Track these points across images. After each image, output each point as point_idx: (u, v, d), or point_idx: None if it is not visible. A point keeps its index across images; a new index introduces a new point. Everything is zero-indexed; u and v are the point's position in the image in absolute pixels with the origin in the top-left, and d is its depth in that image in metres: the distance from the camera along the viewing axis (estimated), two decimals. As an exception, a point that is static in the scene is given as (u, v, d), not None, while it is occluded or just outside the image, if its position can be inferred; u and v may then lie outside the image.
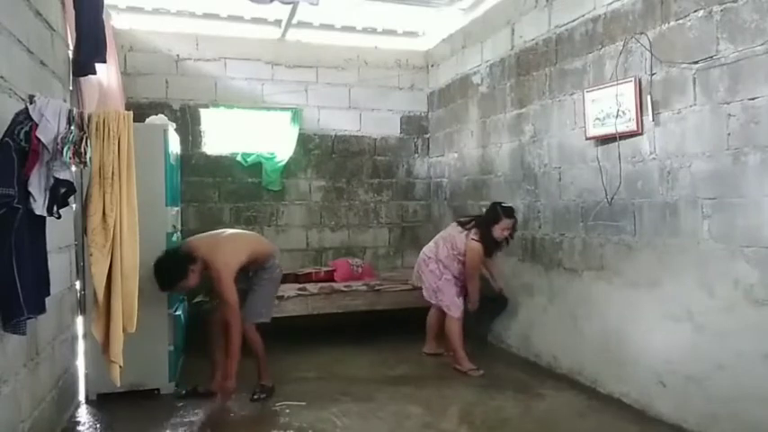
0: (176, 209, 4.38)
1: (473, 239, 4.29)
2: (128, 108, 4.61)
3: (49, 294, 2.62)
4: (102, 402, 3.65)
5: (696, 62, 3.03)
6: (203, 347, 3.94)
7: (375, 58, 6.21)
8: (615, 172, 3.59)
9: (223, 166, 5.72)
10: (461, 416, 3.48)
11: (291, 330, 4.65)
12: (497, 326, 4.94)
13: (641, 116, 3.38)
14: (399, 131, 6.35)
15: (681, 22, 3.13)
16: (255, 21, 5.56)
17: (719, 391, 2.93)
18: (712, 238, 2.97)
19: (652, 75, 3.32)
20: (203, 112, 5.69)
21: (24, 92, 2.61)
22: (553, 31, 4.19)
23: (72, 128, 2.45)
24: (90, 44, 3.36)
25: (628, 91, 3.43)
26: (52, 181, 2.42)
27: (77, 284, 3.68)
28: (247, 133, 5.83)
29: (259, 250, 3.85)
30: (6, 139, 2.29)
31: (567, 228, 4.10)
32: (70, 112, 2.50)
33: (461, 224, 4.44)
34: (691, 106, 3.08)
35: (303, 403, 3.64)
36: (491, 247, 4.32)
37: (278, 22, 5.54)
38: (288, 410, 3.55)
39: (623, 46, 3.51)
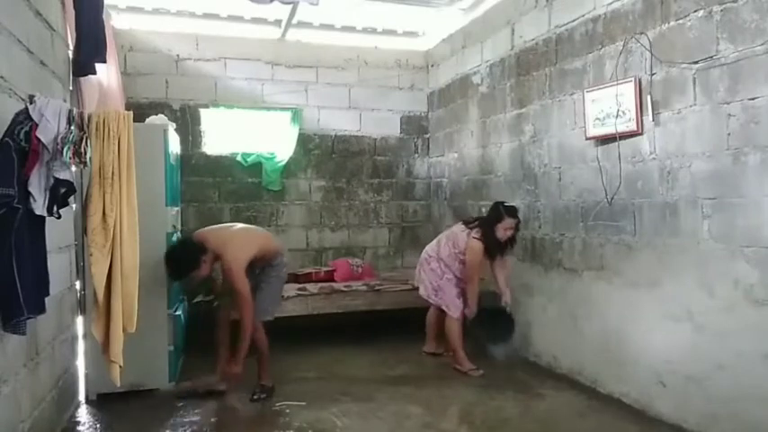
0: (176, 209, 4.38)
1: (474, 238, 4.24)
2: (128, 108, 4.61)
3: (48, 294, 2.62)
4: (102, 402, 3.65)
5: (696, 62, 3.03)
6: (203, 347, 3.95)
7: (375, 58, 6.21)
8: (615, 172, 3.59)
9: (223, 166, 5.72)
10: (461, 416, 3.48)
11: (291, 330, 4.64)
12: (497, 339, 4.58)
13: (641, 116, 3.38)
14: (399, 131, 6.35)
15: (681, 22, 3.13)
16: (255, 21, 5.56)
17: (719, 391, 2.93)
18: (712, 238, 2.97)
19: (652, 75, 3.32)
20: (203, 112, 5.69)
21: (24, 92, 2.61)
22: (553, 31, 4.19)
23: (72, 128, 2.45)
24: (90, 44, 3.37)
25: (628, 91, 3.43)
26: (52, 181, 2.42)
27: (77, 284, 3.68)
28: (247, 133, 5.82)
29: (268, 246, 3.87)
30: (6, 139, 2.29)
31: (567, 228, 4.10)
32: (70, 112, 2.50)
33: (466, 223, 4.42)
34: (691, 106, 3.08)
35: (303, 403, 3.64)
36: (493, 247, 4.24)
37: (278, 22, 5.54)
38: (288, 410, 3.55)
39: (623, 46, 3.51)
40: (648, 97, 3.32)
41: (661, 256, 3.28)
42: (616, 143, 3.56)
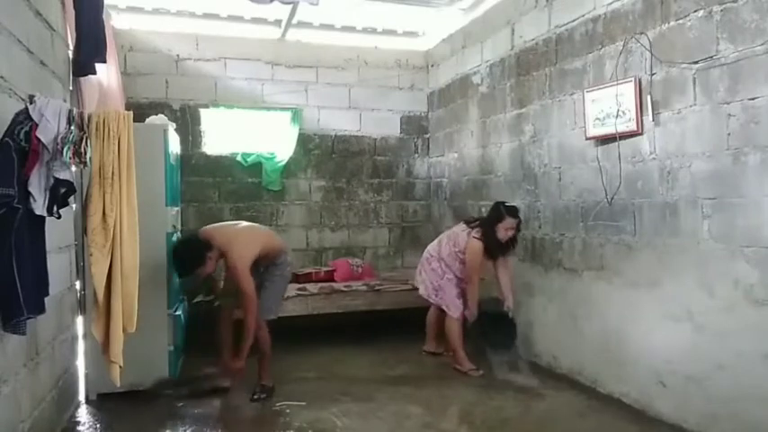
0: (176, 209, 4.38)
1: (474, 238, 4.22)
2: (128, 108, 4.61)
3: (48, 294, 2.62)
4: (102, 402, 3.65)
5: (696, 62, 3.03)
6: (203, 347, 3.95)
7: (375, 58, 6.21)
8: (615, 172, 3.59)
9: (223, 166, 5.72)
10: (461, 416, 3.49)
11: (291, 330, 4.64)
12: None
13: (641, 116, 3.38)
14: (399, 131, 6.35)
15: (681, 22, 3.13)
16: (255, 21, 5.55)
17: (719, 391, 2.93)
18: (712, 238, 2.97)
19: (652, 75, 3.32)
20: (203, 112, 5.69)
21: (24, 92, 2.61)
22: (553, 31, 4.19)
23: (72, 128, 2.45)
24: (90, 44, 3.36)
25: (628, 91, 3.43)
26: (52, 181, 2.42)
27: (77, 284, 3.68)
28: (247, 133, 5.82)
29: (272, 245, 3.89)
30: (6, 139, 2.29)
31: (567, 228, 4.10)
32: (70, 112, 2.50)
33: (467, 223, 4.40)
34: (691, 106, 3.08)
35: (303, 403, 3.64)
36: (493, 247, 4.20)
37: (278, 22, 5.54)
38: (288, 410, 3.56)
39: (623, 46, 3.51)
40: (648, 97, 3.32)
41: (661, 256, 3.28)
42: (616, 143, 3.56)
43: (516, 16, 4.64)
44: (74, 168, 2.59)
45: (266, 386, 3.80)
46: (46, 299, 2.59)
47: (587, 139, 3.82)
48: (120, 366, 2.75)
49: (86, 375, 3.73)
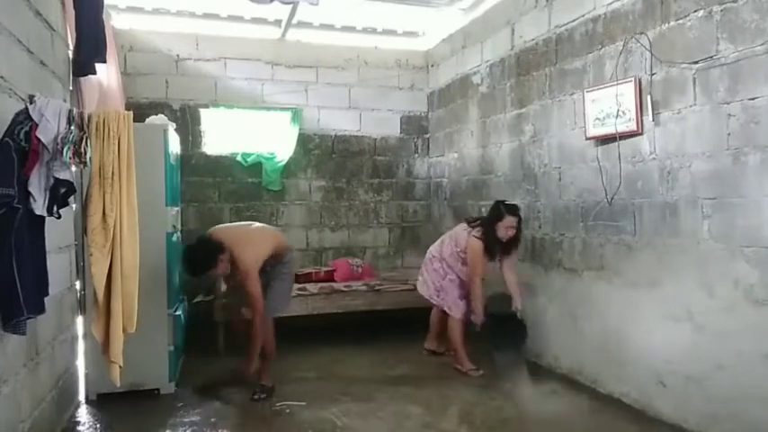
0: (176, 209, 4.38)
1: (474, 237, 4.20)
2: (128, 108, 4.61)
3: (47, 294, 2.62)
4: (102, 402, 3.66)
5: (696, 62, 3.03)
6: (203, 347, 3.95)
7: (375, 58, 6.21)
8: (615, 172, 3.59)
9: (223, 166, 5.73)
10: (461, 416, 3.48)
11: (291, 330, 4.64)
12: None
13: (641, 116, 3.38)
14: (399, 131, 6.35)
15: (681, 22, 3.13)
16: (255, 21, 5.56)
17: (719, 391, 2.93)
18: (712, 238, 2.97)
19: (652, 75, 3.32)
20: (203, 112, 5.69)
21: (24, 92, 2.61)
22: (553, 31, 4.19)
23: (72, 128, 2.45)
24: (90, 44, 3.36)
25: (628, 91, 3.43)
26: (52, 181, 2.42)
27: (77, 284, 3.68)
28: (247, 133, 5.83)
29: (280, 245, 3.94)
30: (6, 139, 2.29)
31: (567, 228, 4.10)
32: (70, 112, 2.50)
33: (468, 222, 4.38)
34: (691, 106, 3.08)
35: (303, 403, 3.64)
36: (493, 246, 4.17)
37: (278, 22, 5.55)
38: (288, 410, 3.56)
39: (623, 46, 3.51)
40: (648, 97, 3.32)
41: (661, 256, 3.28)
42: (616, 143, 3.56)
43: (516, 16, 4.64)
44: (74, 168, 2.59)
45: (266, 386, 3.80)
46: (46, 299, 2.59)
47: (587, 139, 3.82)
48: (120, 366, 2.75)
49: (86, 375, 3.73)
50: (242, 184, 5.78)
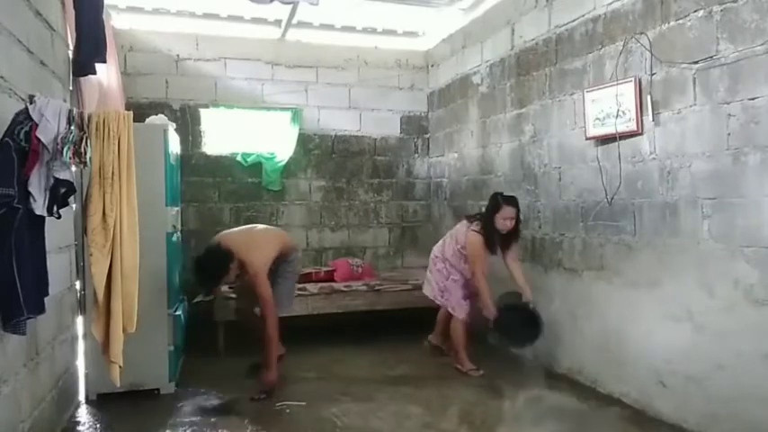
0: (176, 209, 4.38)
1: (473, 231, 4.16)
2: (128, 108, 4.61)
3: (47, 294, 2.62)
4: (102, 402, 3.65)
5: (696, 62, 3.03)
6: (203, 347, 3.96)
7: (375, 58, 6.21)
8: (615, 172, 3.59)
9: (223, 166, 5.73)
10: (461, 416, 3.48)
11: (291, 330, 4.64)
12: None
13: (641, 116, 3.38)
14: (399, 131, 6.35)
15: (681, 22, 3.13)
16: (255, 21, 5.56)
17: (719, 391, 2.93)
18: (712, 238, 2.97)
19: (652, 75, 3.32)
20: (203, 112, 5.69)
21: (24, 92, 2.61)
22: (553, 31, 4.19)
23: (72, 128, 2.45)
24: (90, 44, 3.36)
25: (628, 91, 3.43)
26: (52, 181, 2.42)
27: (77, 284, 3.68)
28: (247, 133, 5.83)
29: (286, 245, 4.03)
30: (6, 139, 2.29)
31: (567, 228, 4.10)
32: (70, 112, 2.50)
33: (468, 218, 4.36)
34: (691, 106, 3.08)
35: (303, 403, 3.64)
36: (493, 238, 4.11)
37: (278, 22, 5.54)
38: (288, 410, 3.55)
39: (623, 46, 3.51)
40: (648, 97, 3.32)
41: (661, 256, 3.28)
42: (616, 143, 3.56)
43: (516, 16, 4.64)
44: (74, 168, 2.59)
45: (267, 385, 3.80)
46: (46, 299, 2.59)
47: (587, 139, 3.82)
48: (120, 366, 2.75)
49: (86, 375, 3.73)
50: (242, 184, 5.78)
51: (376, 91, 6.20)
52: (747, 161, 2.78)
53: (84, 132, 2.50)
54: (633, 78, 3.40)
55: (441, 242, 4.52)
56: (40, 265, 2.55)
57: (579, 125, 3.91)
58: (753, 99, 2.74)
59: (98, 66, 3.50)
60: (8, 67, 2.50)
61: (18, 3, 2.69)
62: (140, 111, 4.90)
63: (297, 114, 5.87)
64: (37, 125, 2.35)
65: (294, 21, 5.37)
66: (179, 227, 4.60)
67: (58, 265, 3.10)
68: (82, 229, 2.91)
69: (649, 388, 3.36)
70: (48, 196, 2.42)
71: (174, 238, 4.12)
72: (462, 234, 4.26)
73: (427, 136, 6.42)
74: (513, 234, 4.18)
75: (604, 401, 3.61)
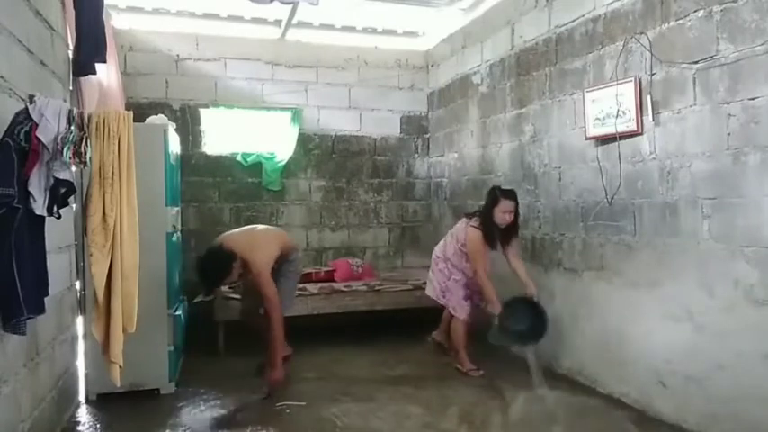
0: (176, 209, 4.37)
1: (472, 226, 4.15)
2: (128, 108, 4.61)
3: (47, 294, 2.62)
4: (102, 402, 3.65)
5: (696, 62, 3.03)
6: (203, 347, 3.96)
7: (375, 58, 6.22)
8: (615, 172, 3.59)
9: (223, 166, 5.73)
10: (461, 416, 3.48)
11: (292, 330, 4.64)
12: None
13: (641, 116, 3.38)
14: (399, 131, 6.35)
15: (681, 22, 3.13)
16: (255, 21, 5.56)
17: (719, 391, 2.93)
18: (712, 238, 2.97)
19: (652, 75, 3.32)
20: (203, 112, 5.69)
21: (24, 92, 2.61)
22: (553, 31, 4.19)
23: (72, 128, 2.45)
24: (90, 44, 3.36)
25: (628, 91, 3.43)
26: (52, 181, 2.42)
27: (77, 284, 3.68)
28: (247, 133, 5.83)
29: (287, 244, 4.07)
30: (6, 139, 2.29)
31: (567, 228, 4.10)
32: (70, 112, 2.50)
33: (467, 216, 4.34)
34: (691, 106, 3.08)
35: (303, 403, 3.64)
36: (492, 233, 4.08)
37: (278, 22, 5.55)
38: (288, 410, 3.55)
39: (623, 46, 3.51)
40: (648, 97, 3.32)
41: (661, 256, 3.28)
42: (616, 143, 3.56)
43: (516, 16, 4.64)
44: (74, 168, 2.59)
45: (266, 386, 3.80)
46: (46, 299, 2.59)
47: (587, 139, 3.82)
48: (120, 366, 2.75)
49: (86, 375, 3.73)
50: (242, 184, 5.78)
51: (376, 91, 6.20)
52: (747, 161, 2.78)
53: (84, 132, 2.50)
54: (633, 78, 3.40)
55: (442, 242, 4.51)
56: (40, 265, 2.55)
57: (579, 125, 3.91)
58: (753, 99, 2.74)
59: (98, 66, 3.50)
60: (8, 67, 2.50)
61: (18, 3, 2.69)
62: (140, 111, 4.90)
63: (297, 114, 5.87)
64: (37, 125, 2.35)
65: (294, 21, 5.37)
66: (179, 227, 4.60)
67: (58, 265, 3.10)
68: (82, 229, 2.91)
69: (649, 388, 3.36)
70: (48, 196, 2.42)
71: (174, 238, 4.12)
72: (462, 231, 4.25)
73: (427, 136, 6.42)
74: (513, 228, 4.16)
75: (604, 401, 3.61)
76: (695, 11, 3.03)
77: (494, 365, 4.33)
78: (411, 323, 4.99)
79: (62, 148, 2.39)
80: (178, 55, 5.60)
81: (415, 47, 6.31)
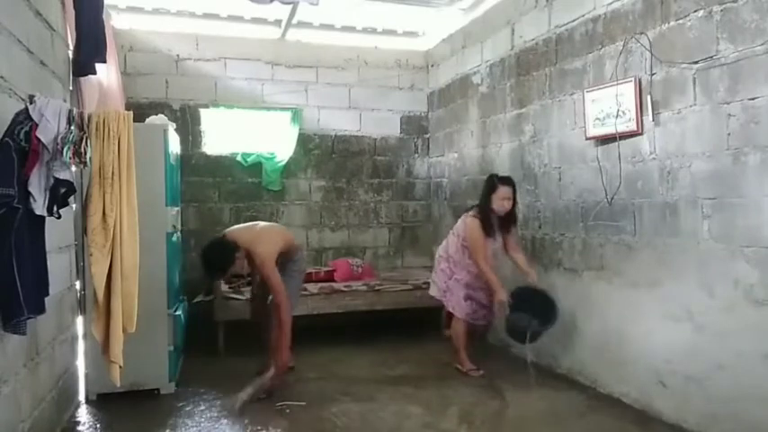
0: (176, 209, 4.37)
1: (470, 216, 4.14)
2: (128, 108, 4.61)
3: (47, 294, 2.62)
4: (102, 402, 3.65)
5: (696, 62, 3.04)
6: (203, 347, 3.96)
7: (375, 58, 6.22)
8: (615, 172, 3.59)
9: (223, 166, 5.73)
10: (461, 416, 3.48)
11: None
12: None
13: (641, 116, 3.38)
14: (399, 131, 6.35)
15: (681, 22, 3.13)
16: (255, 21, 5.56)
17: (719, 391, 2.93)
18: (712, 238, 2.97)
19: (652, 75, 3.32)
20: (203, 112, 5.69)
21: (24, 92, 2.61)
22: (553, 31, 4.19)
23: (72, 128, 2.45)
24: (90, 44, 3.36)
25: (628, 91, 3.43)
26: (52, 181, 2.42)
27: (77, 284, 3.68)
28: (247, 133, 5.83)
29: (291, 242, 4.09)
30: (6, 139, 2.29)
31: (567, 228, 4.10)
32: (70, 112, 2.50)
33: (466, 211, 4.32)
34: (691, 106, 3.08)
35: (303, 403, 3.64)
36: (490, 220, 4.06)
37: (278, 22, 5.55)
38: (288, 410, 3.55)
39: (623, 46, 3.51)
40: (648, 97, 3.32)
41: (661, 256, 3.28)
42: (616, 143, 3.56)
43: (516, 16, 4.64)
44: (74, 168, 2.59)
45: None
46: (46, 299, 2.59)
47: (587, 139, 3.82)
48: (120, 366, 2.75)
49: (86, 375, 3.73)
50: (242, 184, 5.79)
51: (376, 91, 6.20)
52: (747, 161, 2.78)
53: (84, 132, 2.49)
54: (633, 78, 3.40)
55: (444, 242, 4.50)
56: (40, 265, 2.55)
57: (579, 125, 3.91)
58: (753, 99, 2.74)
59: (98, 66, 3.50)
60: (8, 67, 2.50)
61: (18, 3, 2.69)
62: (140, 111, 4.90)
63: (297, 114, 5.87)
64: (37, 125, 2.35)
65: (294, 21, 5.37)
66: (179, 227, 4.60)
67: (58, 265, 3.10)
68: (82, 229, 2.91)
69: (649, 388, 3.36)
70: (48, 196, 2.42)
71: (174, 238, 4.13)
72: (462, 226, 4.24)
73: (427, 136, 6.42)
74: (511, 216, 4.15)
75: (604, 401, 3.61)
76: (695, 11, 3.03)
77: (494, 365, 4.33)
78: (411, 323, 4.99)
79: (62, 148, 2.39)
80: (178, 55, 5.60)
81: (415, 47, 6.31)
